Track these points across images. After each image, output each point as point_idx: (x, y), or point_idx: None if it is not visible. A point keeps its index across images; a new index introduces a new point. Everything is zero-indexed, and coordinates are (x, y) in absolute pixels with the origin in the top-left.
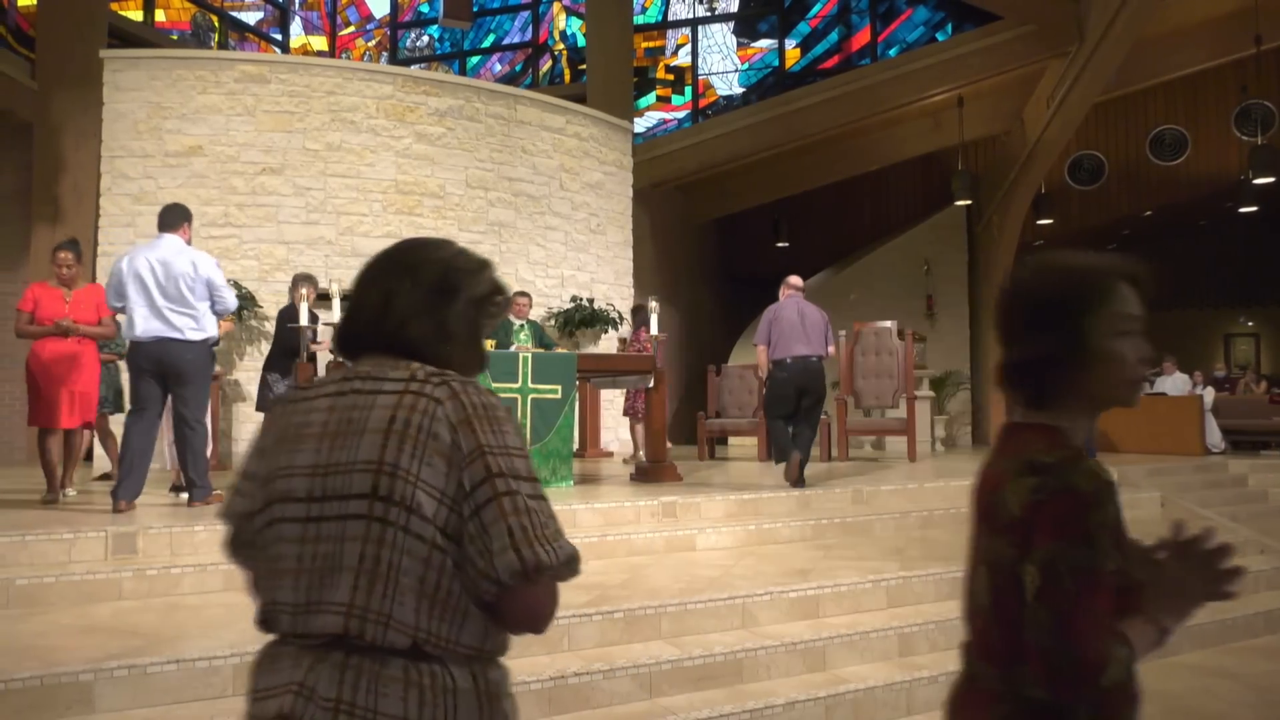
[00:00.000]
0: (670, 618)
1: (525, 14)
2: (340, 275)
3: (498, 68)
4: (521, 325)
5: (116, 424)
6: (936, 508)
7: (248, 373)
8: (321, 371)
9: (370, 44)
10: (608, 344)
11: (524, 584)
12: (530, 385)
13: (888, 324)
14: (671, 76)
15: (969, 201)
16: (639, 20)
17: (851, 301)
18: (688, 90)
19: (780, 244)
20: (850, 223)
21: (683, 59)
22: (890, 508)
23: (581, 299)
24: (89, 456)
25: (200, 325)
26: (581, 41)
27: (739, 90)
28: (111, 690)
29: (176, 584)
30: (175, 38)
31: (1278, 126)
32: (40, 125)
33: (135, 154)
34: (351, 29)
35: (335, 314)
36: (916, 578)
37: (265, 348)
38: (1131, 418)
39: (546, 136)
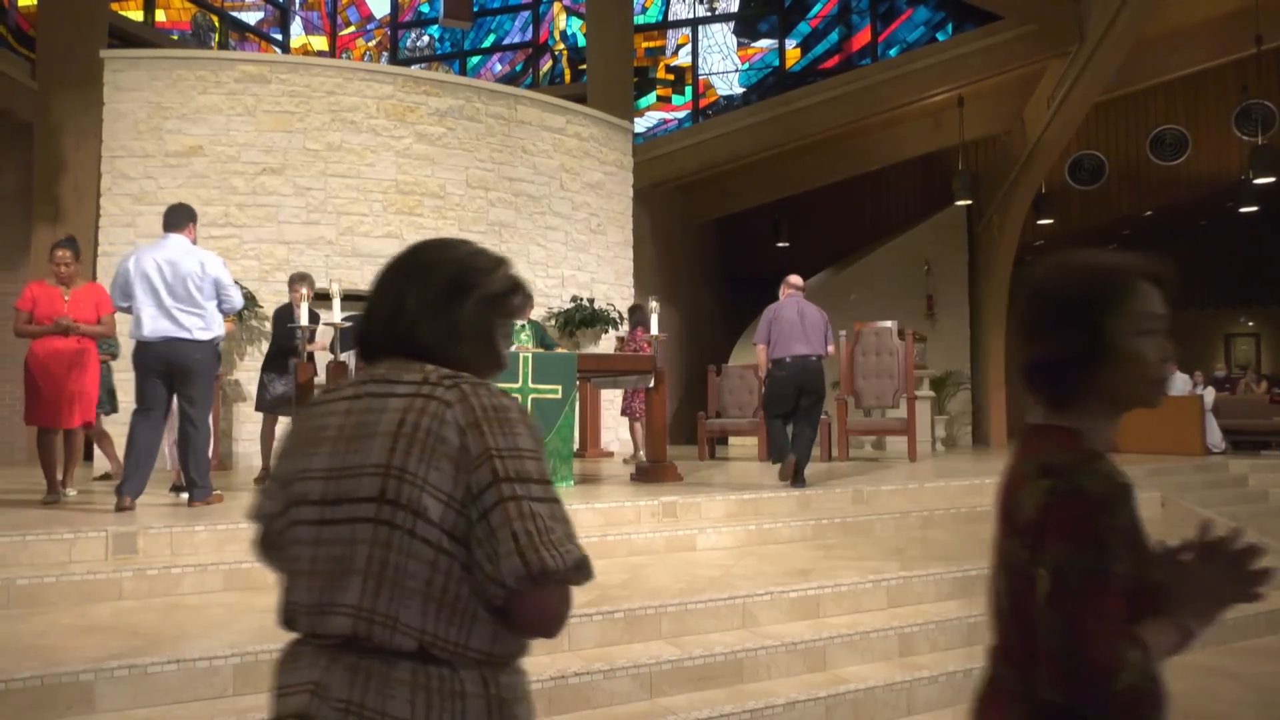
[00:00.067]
0: (670, 618)
1: (525, 14)
2: (340, 275)
3: (498, 68)
4: (523, 325)
5: (109, 424)
6: (937, 508)
7: (248, 373)
8: (321, 372)
9: (370, 44)
10: (608, 344)
11: (531, 588)
12: (530, 385)
13: (888, 324)
14: (672, 76)
15: (969, 201)
16: (639, 20)
17: (852, 301)
18: (688, 90)
19: (781, 244)
20: (851, 223)
21: (683, 59)
22: (890, 508)
23: (582, 299)
24: (89, 456)
25: (208, 325)
26: (582, 41)
27: (739, 90)
28: (112, 690)
29: (177, 584)
30: (175, 38)
31: (1278, 126)
32: (41, 125)
33: (136, 154)
34: (352, 29)
35: (335, 314)
36: (917, 578)
37: (265, 348)
38: (1132, 417)
39: (547, 136)
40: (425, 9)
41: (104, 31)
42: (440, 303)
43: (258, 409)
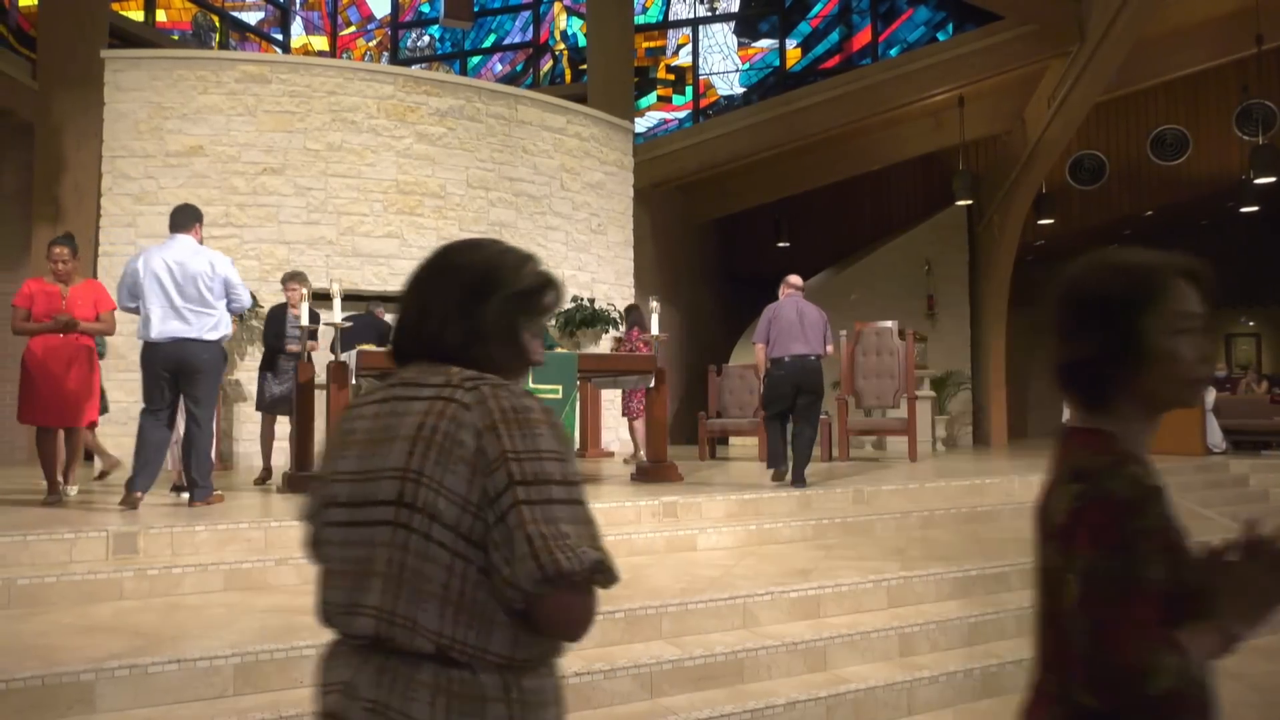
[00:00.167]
0: (671, 618)
1: (526, 14)
2: (341, 275)
3: (498, 68)
4: None
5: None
6: (937, 508)
7: (248, 373)
8: (320, 372)
9: (371, 44)
10: (608, 344)
11: (549, 591)
12: (531, 385)
13: (889, 324)
14: (672, 76)
15: (970, 201)
16: (640, 20)
17: (852, 301)
18: (688, 90)
19: (781, 244)
20: (851, 223)
21: (683, 59)
22: (891, 508)
23: (582, 299)
24: (89, 456)
25: (218, 325)
26: (582, 41)
27: (740, 90)
28: (113, 690)
29: (177, 584)
30: (176, 38)
31: (1279, 126)
32: (41, 125)
33: (136, 154)
34: (352, 29)
35: (336, 314)
36: (917, 578)
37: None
38: None
39: (547, 136)
40: (426, 9)
41: (104, 31)
42: (464, 304)
43: (257, 409)
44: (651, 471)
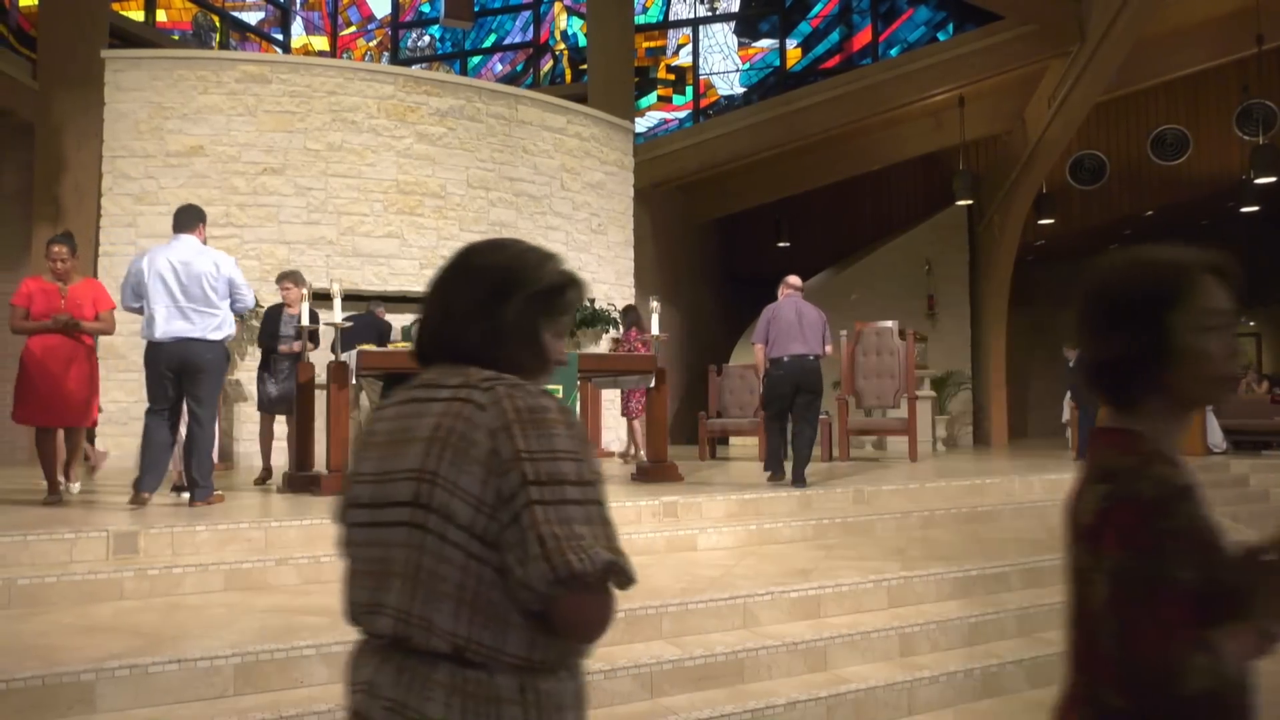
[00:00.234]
0: (671, 617)
1: (526, 14)
2: (341, 275)
3: (499, 68)
4: None
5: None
6: (938, 508)
7: (248, 373)
8: (321, 372)
9: (371, 44)
10: (608, 344)
11: (563, 593)
12: None
13: (889, 324)
14: (673, 76)
15: (970, 201)
16: (640, 20)
17: (853, 301)
18: (689, 90)
19: (781, 244)
20: (851, 222)
21: (684, 59)
22: (891, 508)
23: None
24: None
25: (221, 325)
26: (582, 41)
27: (740, 90)
28: (113, 690)
29: (178, 584)
30: (176, 38)
31: (1279, 126)
32: (42, 125)
33: (136, 154)
34: (353, 29)
35: (336, 314)
36: (918, 578)
37: None
38: None
39: (547, 136)
40: (426, 9)
41: (105, 31)
42: (484, 305)
43: (258, 409)
44: (652, 471)
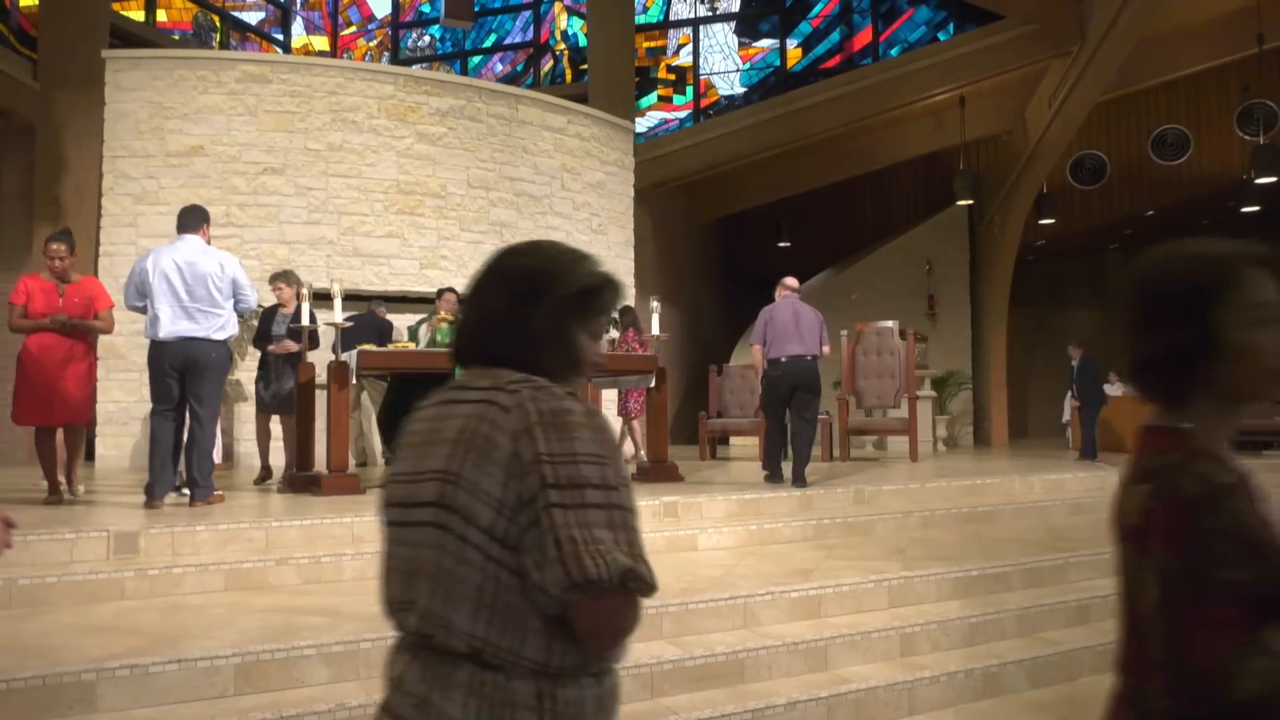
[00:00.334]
0: (672, 618)
1: (526, 14)
2: (342, 275)
3: (499, 67)
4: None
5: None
6: (938, 508)
7: (249, 373)
8: (321, 372)
9: (372, 44)
10: (606, 345)
11: (580, 598)
12: None
13: (889, 324)
14: (673, 76)
15: (971, 201)
16: (640, 20)
17: (853, 301)
18: (689, 90)
19: (782, 244)
20: (852, 222)
21: (684, 59)
22: (892, 508)
23: None
24: (90, 455)
25: (225, 325)
26: (583, 41)
27: (740, 90)
28: (114, 690)
29: (178, 584)
30: (177, 38)
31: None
32: (42, 125)
33: (137, 154)
34: (353, 29)
35: (337, 314)
36: (918, 578)
37: None
38: (1134, 416)
39: (548, 136)
40: (426, 9)
41: (105, 31)
42: (515, 307)
43: (256, 409)
44: (652, 471)
